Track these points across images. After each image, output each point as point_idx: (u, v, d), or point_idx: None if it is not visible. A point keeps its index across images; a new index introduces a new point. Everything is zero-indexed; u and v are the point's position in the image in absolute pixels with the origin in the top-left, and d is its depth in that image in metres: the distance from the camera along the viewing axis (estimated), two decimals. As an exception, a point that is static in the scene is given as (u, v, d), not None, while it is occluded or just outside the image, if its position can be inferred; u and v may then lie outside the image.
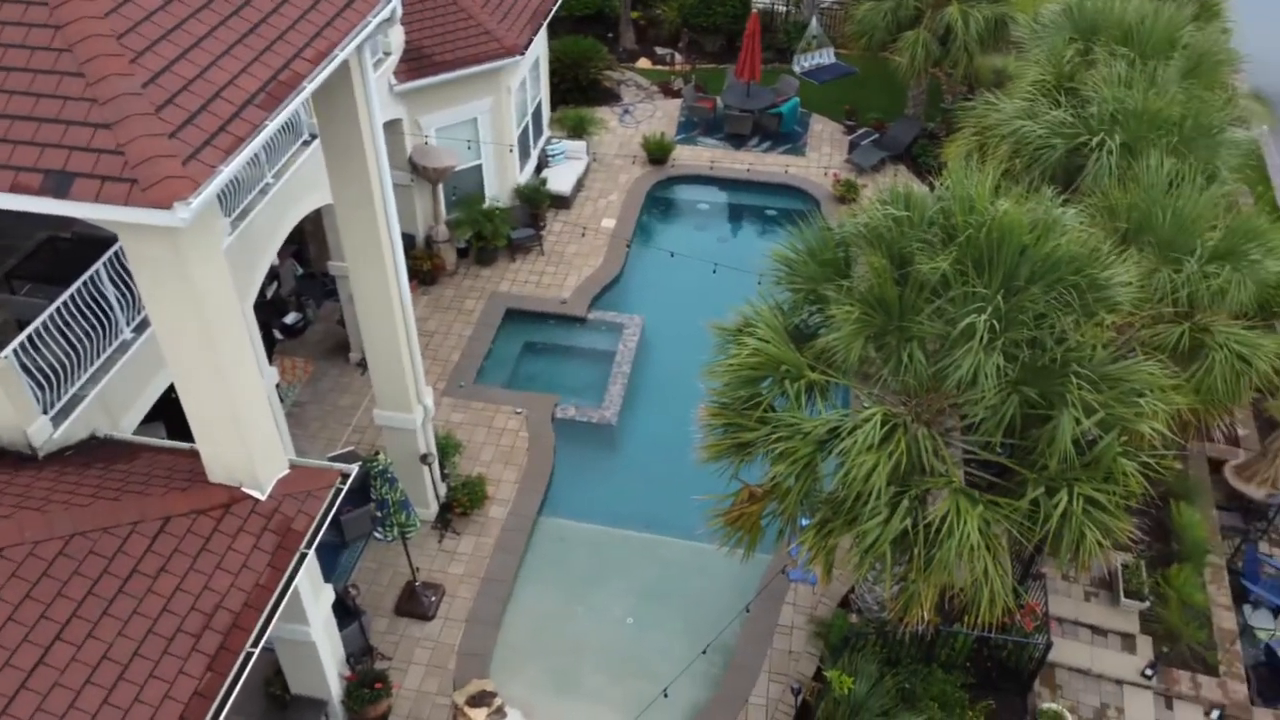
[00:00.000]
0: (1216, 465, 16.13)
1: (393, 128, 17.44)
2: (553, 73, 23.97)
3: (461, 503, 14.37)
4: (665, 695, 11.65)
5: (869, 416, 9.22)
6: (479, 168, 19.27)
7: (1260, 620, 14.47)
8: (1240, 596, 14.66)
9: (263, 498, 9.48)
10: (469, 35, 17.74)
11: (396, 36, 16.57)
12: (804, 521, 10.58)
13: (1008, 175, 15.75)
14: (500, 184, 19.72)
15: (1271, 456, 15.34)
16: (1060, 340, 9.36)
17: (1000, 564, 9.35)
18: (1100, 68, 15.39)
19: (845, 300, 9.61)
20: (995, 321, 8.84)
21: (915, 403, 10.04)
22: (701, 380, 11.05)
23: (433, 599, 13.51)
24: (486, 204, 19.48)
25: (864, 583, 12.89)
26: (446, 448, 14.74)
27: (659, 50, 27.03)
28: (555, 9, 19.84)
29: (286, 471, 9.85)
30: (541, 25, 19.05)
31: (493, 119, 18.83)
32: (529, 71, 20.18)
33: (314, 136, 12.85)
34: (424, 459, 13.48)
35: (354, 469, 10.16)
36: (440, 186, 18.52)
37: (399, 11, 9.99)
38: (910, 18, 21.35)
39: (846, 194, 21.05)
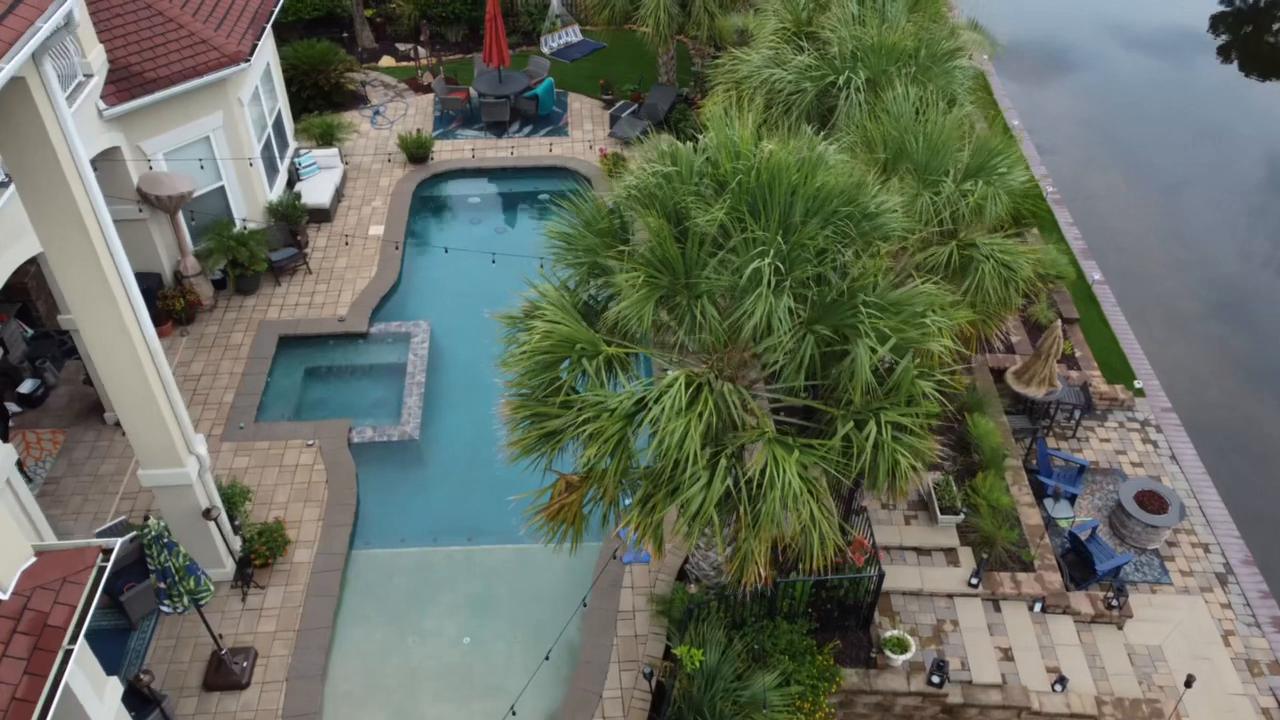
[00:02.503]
0: (999, 374, 17.05)
1: (111, 157, 15.66)
2: (289, 81, 22.42)
3: (260, 553, 13.09)
4: (513, 713, 10.99)
5: (672, 381, 8.88)
6: (221, 189, 17.67)
7: (1060, 511, 15.39)
8: (1040, 493, 15.54)
9: (5, 596, 8.08)
10: (183, 47, 16.14)
11: (97, 55, 14.82)
12: (626, 501, 10.19)
13: (766, 124, 16.02)
14: (249, 204, 18.18)
15: (1044, 358, 16.32)
16: (844, 274, 9.35)
17: (824, 506, 9.28)
18: (834, 9, 15.80)
19: (628, 265, 9.21)
20: (779, 264, 8.69)
21: (716, 359, 9.81)
22: (497, 374, 10.45)
23: (244, 664, 12.22)
24: (237, 228, 17.91)
25: (697, 551, 12.69)
26: (233, 497, 13.38)
27: (400, 46, 25.87)
28: (277, 11, 18.42)
29: (32, 560, 8.46)
30: (265, 28, 17.63)
31: (228, 135, 17.29)
32: (261, 81, 18.68)
33: (8, 177, 11.18)
34: (207, 514, 12.13)
35: (119, 542, 8.86)
36: (180, 215, 16.83)
37: (77, 17, 8.68)
38: (648, -16, 21.31)
39: (615, 167, 20.81)
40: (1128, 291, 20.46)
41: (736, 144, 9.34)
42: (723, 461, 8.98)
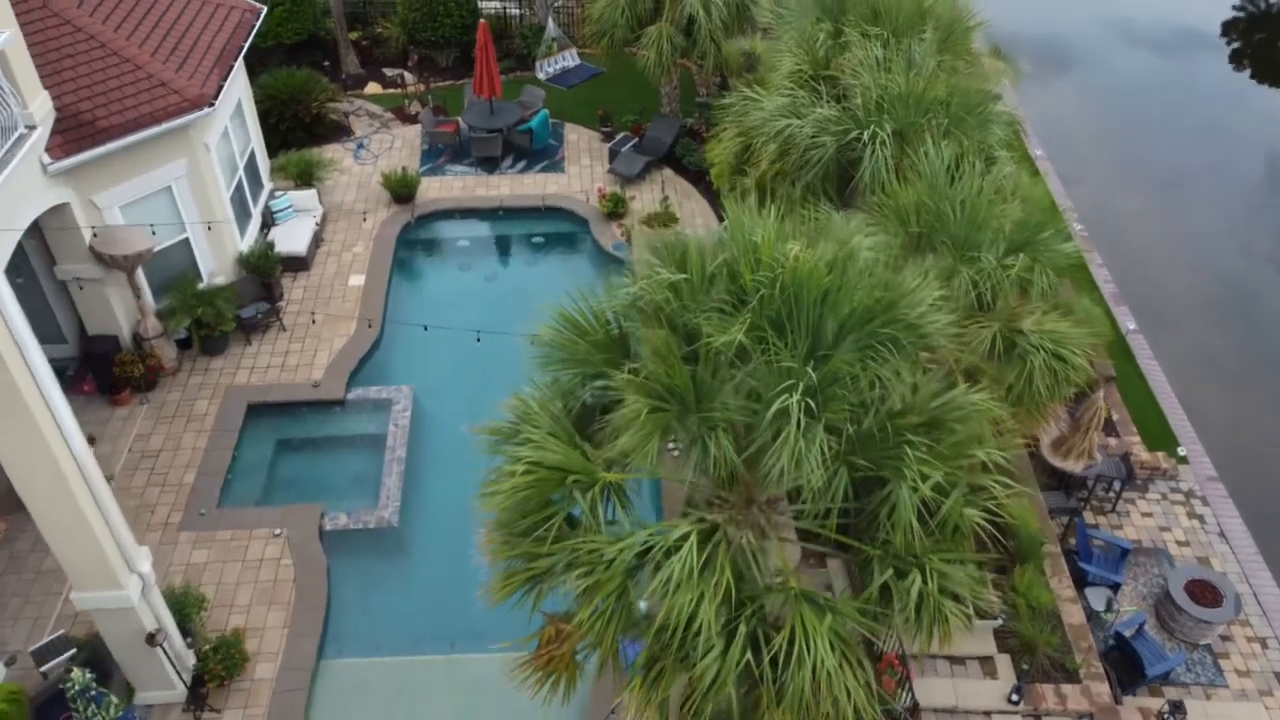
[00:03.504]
0: (1031, 445, 15.63)
1: (60, 214, 14.24)
2: (266, 113, 20.97)
3: (216, 673, 11.67)
4: None
5: (682, 539, 7.46)
6: (186, 242, 16.23)
7: (1103, 602, 13.99)
8: (1080, 580, 14.14)
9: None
10: (140, 91, 14.70)
11: (41, 104, 13.37)
12: (629, 649, 8.79)
13: (780, 175, 14.63)
14: (218, 256, 16.74)
15: (1084, 430, 14.91)
16: (883, 400, 7.92)
17: (860, 672, 7.86)
18: (855, 50, 14.37)
19: (630, 391, 7.78)
20: (810, 401, 7.25)
21: (733, 497, 8.38)
22: (485, 452, 9.10)
23: (195, 807, 10.84)
24: (204, 283, 16.49)
25: None
26: (186, 606, 11.96)
27: (387, 72, 24.42)
28: (248, 43, 16.98)
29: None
30: (233, 66, 16.18)
31: (192, 184, 15.85)
32: (231, 120, 17.25)
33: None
34: (152, 639, 10.71)
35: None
36: (140, 273, 15.40)
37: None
38: (649, 11, 19.86)
39: (615, 209, 19.39)
40: (1163, 340, 19.03)
41: (757, 246, 7.90)
42: (742, 627, 7.56)
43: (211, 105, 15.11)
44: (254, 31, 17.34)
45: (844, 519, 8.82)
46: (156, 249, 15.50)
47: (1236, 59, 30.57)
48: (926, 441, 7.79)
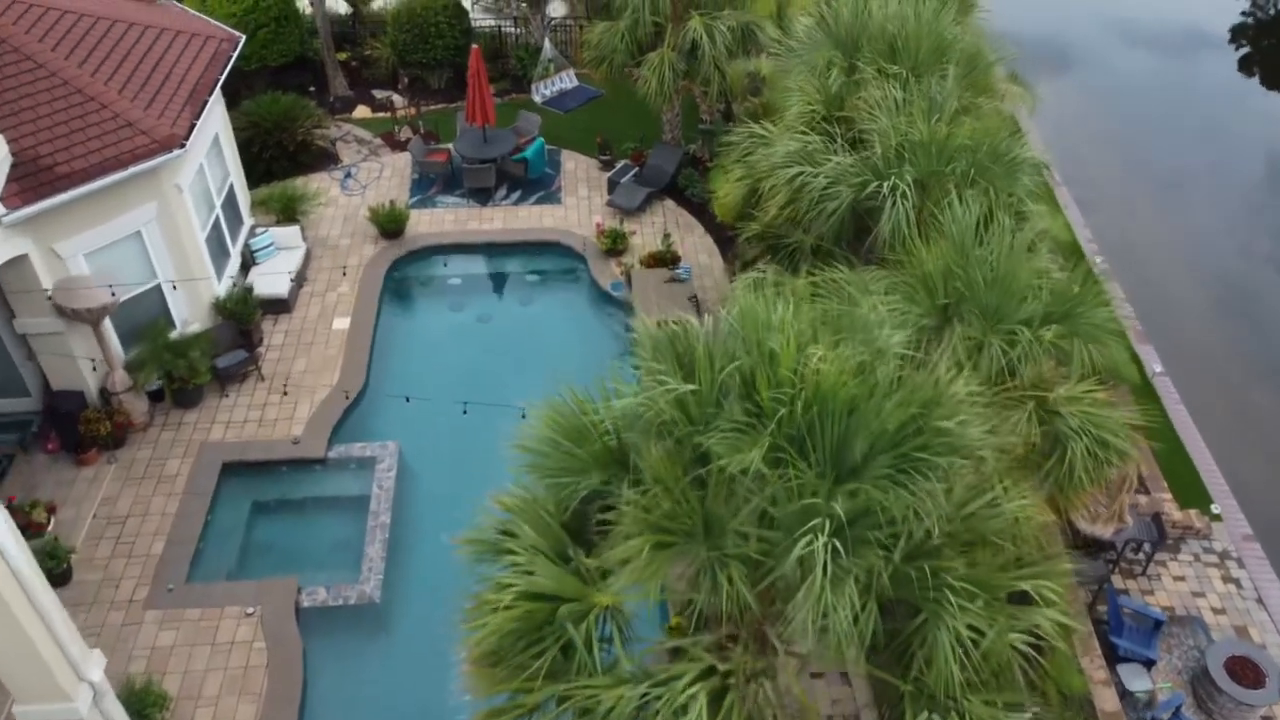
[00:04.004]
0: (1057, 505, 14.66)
1: (18, 266, 13.28)
2: (249, 142, 20.00)
3: (178, 780, 10.72)
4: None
5: (689, 694, 6.49)
6: (157, 289, 15.27)
7: (1136, 680, 13.05)
8: (1111, 655, 13.20)
9: None
10: (105, 132, 13.73)
11: (-5, 150, 12.43)
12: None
13: (792, 221, 13.67)
14: (192, 302, 15.78)
15: (1115, 491, 13.96)
16: (919, 525, 6.95)
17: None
18: (871, 89, 13.39)
19: (630, 522, 6.81)
20: (839, 543, 6.28)
21: (745, 633, 7.41)
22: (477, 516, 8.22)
23: None
24: (177, 330, 15.53)
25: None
26: (147, 706, 11.00)
27: (377, 94, 23.43)
28: (225, 75, 16.01)
29: None
30: (206, 102, 15.20)
31: (163, 228, 14.89)
32: (207, 156, 16.27)
33: None
34: (104, 754, 9.76)
35: None
36: (107, 324, 14.44)
37: None
38: (650, 36, 18.88)
39: (614, 246, 18.41)
40: (1192, 383, 18.06)
41: (775, 355, 6.92)
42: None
43: (182, 146, 14.14)
44: (231, 62, 16.36)
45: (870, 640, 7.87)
46: (124, 298, 14.56)
47: (1245, 65, 29.65)
48: (965, 570, 6.83)
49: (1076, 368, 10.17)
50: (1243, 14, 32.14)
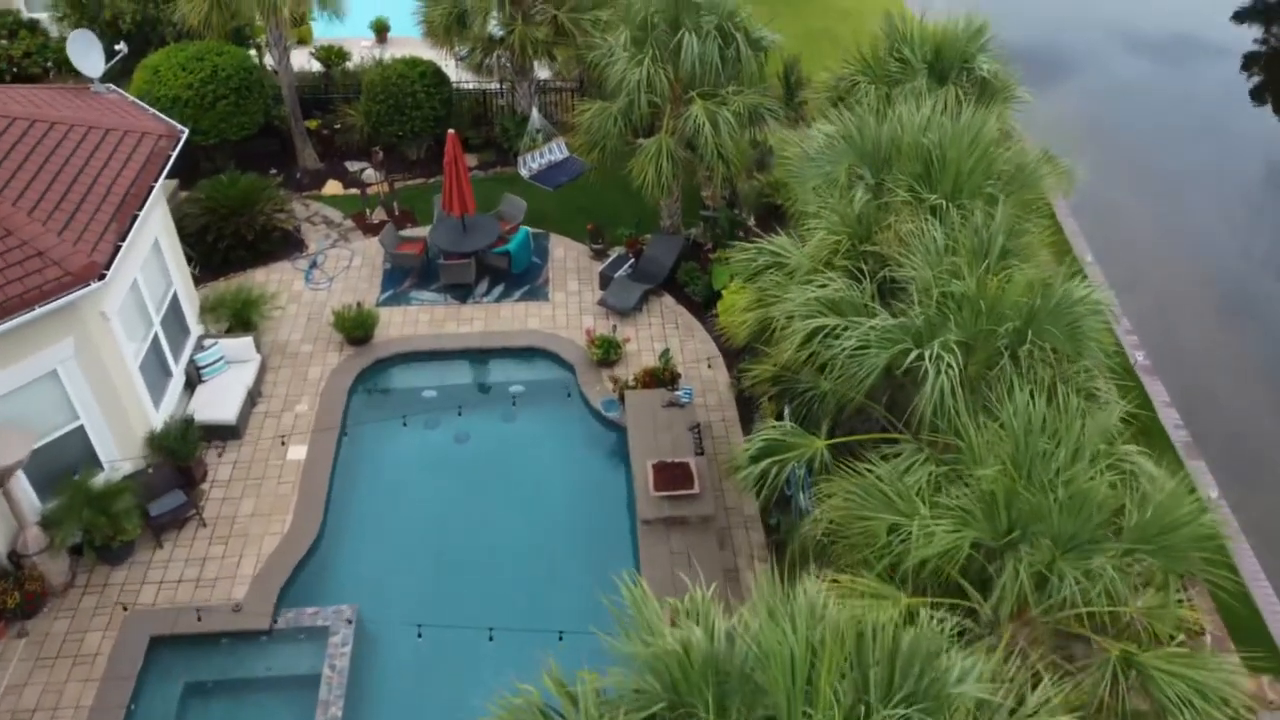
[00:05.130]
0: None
1: (-95, 425, 11.33)
2: (204, 230, 18.11)
3: None
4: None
5: None
6: (80, 430, 13.32)
7: None
8: None
9: None
10: (9, 265, 11.79)
11: None
12: None
13: (810, 362, 11.70)
14: (122, 439, 13.82)
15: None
16: None
17: None
18: (903, 218, 11.46)
19: None
20: None
21: None
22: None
23: None
24: (105, 471, 13.57)
25: None
26: None
27: (350, 166, 21.50)
28: (162, 176, 14.07)
29: None
30: (136, 215, 13.26)
31: (85, 363, 12.94)
32: (143, 267, 14.34)
33: None
34: None
35: None
36: (20, 476, 12.48)
37: None
38: (646, 119, 16.95)
39: (607, 356, 16.45)
40: (1253, 507, 16.10)
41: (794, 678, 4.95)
42: None
43: (102, 278, 12.18)
44: (170, 162, 14.42)
45: None
46: (40, 444, 12.62)
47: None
48: None
49: (1171, 616, 8.26)
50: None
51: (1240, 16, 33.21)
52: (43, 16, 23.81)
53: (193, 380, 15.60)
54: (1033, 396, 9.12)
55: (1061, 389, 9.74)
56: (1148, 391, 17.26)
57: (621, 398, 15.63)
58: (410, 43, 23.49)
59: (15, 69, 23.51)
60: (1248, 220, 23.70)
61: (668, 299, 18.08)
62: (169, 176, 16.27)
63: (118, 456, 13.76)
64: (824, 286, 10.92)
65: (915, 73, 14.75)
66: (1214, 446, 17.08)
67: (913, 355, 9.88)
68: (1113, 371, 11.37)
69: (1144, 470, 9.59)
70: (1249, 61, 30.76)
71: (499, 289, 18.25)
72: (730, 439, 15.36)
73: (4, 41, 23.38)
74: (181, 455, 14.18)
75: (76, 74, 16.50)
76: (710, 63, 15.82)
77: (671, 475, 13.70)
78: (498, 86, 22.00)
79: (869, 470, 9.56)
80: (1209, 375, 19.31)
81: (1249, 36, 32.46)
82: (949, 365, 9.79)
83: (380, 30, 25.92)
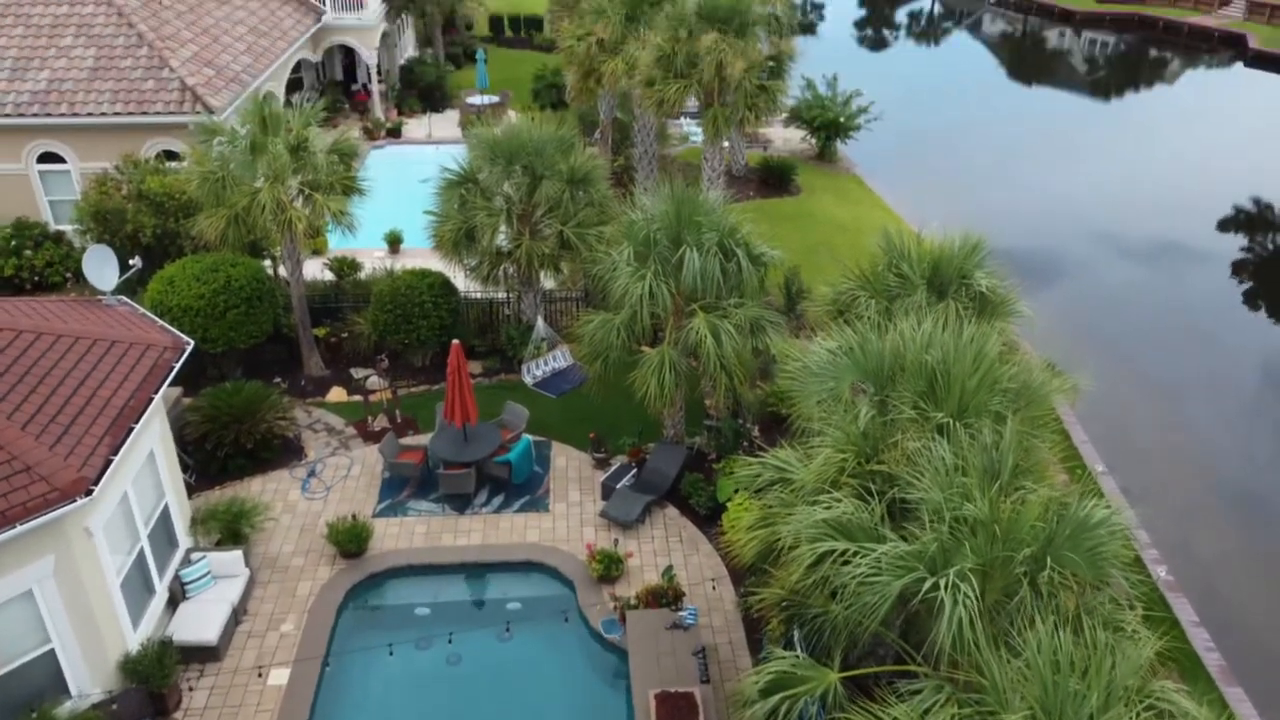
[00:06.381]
0: None
1: None
2: (203, 438, 17.96)
3: None
4: None
5: None
6: (50, 654, 12.63)
7: None
8: None
9: None
10: (-5, 481, 11.52)
11: None
12: None
13: (820, 587, 11.15)
14: (93, 665, 13.08)
15: None
16: None
17: None
18: (910, 436, 11.22)
19: None
20: None
21: None
22: None
23: None
24: (71, 703, 12.75)
25: None
26: None
27: (355, 373, 21.61)
28: (154, 400, 13.99)
29: None
30: (130, 431, 13.10)
31: (63, 583, 12.42)
32: (136, 480, 14.05)
33: None
34: None
35: None
36: (-21, 706, 11.73)
37: None
38: (650, 331, 17.10)
39: (608, 572, 15.85)
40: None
41: None
42: None
43: (89, 494, 11.88)
44: (173, 373, 14.42)
45: None
46: (5, 670, 11.92)
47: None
48: None
49: None
50: None
51: (1224, 225, 34.40)
52: (68, 229, 24.70)
53: (176, 597, 14.99)
54: (1057, 629, 8.57)
55: (1087, 621, 9.23)
56: (1175, 613, 16.45)
57: (623, 617, 14.93)
58: (422, 253, 24.21)
59: (37, 278, 24.19)
60: (1252, 423, 23.50)
61: (671, 510, 17.64)
62: (173, 384, 16.35)
63: (89, 685, 12.98)
64: (830, 508, 10.53)
65: (914, 287, 14.93)
66: (1249, 668, 16.16)
67: (928, 584, 9.38)
68: (1138, 598, 10.79)
69: (1183, 710, 8.91)
70: (1237, 268, 31.55)
71: (499, 499, 17.86)
72: (737, 663, 14.54)
73: (29, 252, 24.13)
74: (156, 681, 13.38)
75: (92, 284, 16.85)
76: (711, 277, 16.08)
77: (675, 707, 12.85)
78: (504, 296, 22.47)
79: (886, 714, 8.88)
80: (1235, 587, 18.57)
81: (1235, 245, 33.50)
82: (966, 595, 9.29)
83: (393, 242, 26.79)
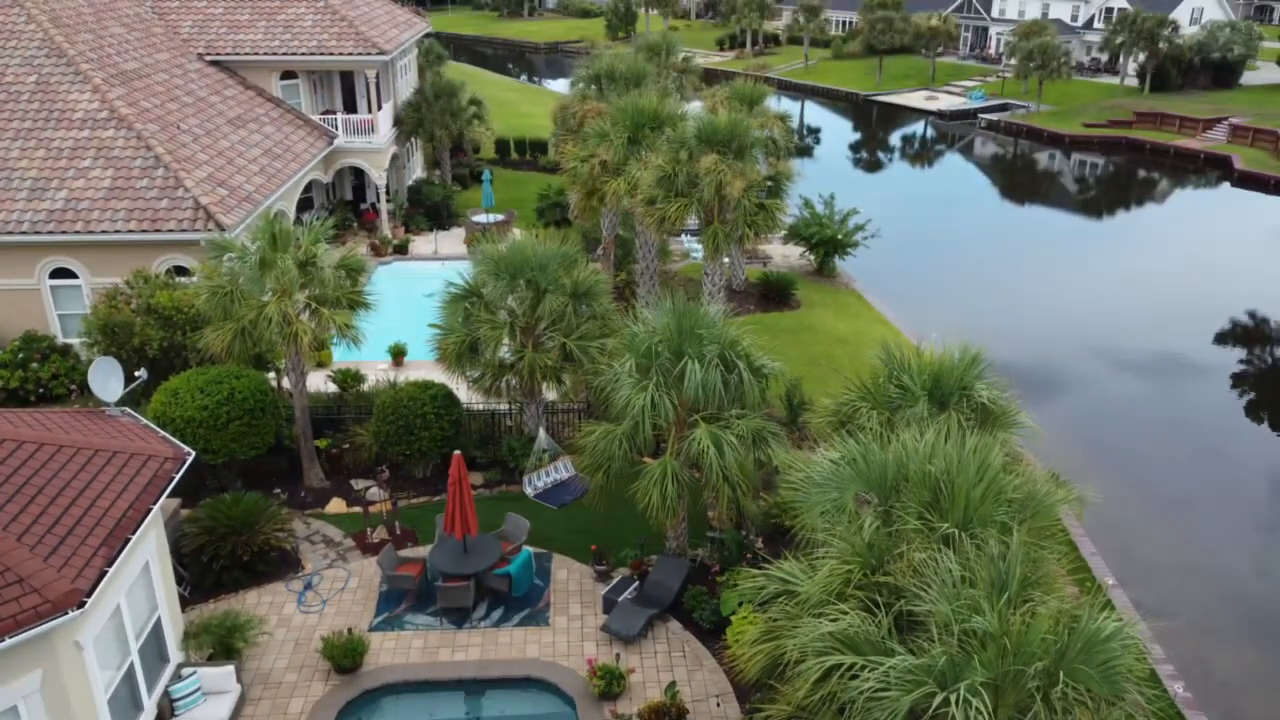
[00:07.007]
0: None
1: None
2: (199, 550, 17.76)
3: None
4: None
5: None
6: (31, 777, 12.18)
7: None
8: None
9: None
10: (-13, 592, 11.34)
11: None
12: None
13: (828, 703, 10.82)
14: (76, 786, 12.60)
15: None
16: None
17: None
18: (916, 547, 11.09)
19: None
20: None
21: None
22: None
23: None
24: (49, 830, 12.23)
25: None
26: None
27: (356, 484, 21.50)
28: (151, 512, 13.89)
29: None
30: (128, 540, 12.97)
31: (50, 698, 12.08)
32: (129, 592, 13.83)
33: None
34: None
35: None
36: (-47, 831, 11.23)
37: None
38: (651, 442, 17.07)
39: (609, 689, 15.43)
40: None
41: None
42: None
43: (81, 606, 11.67)
44: (172, 484, 14.35)
45: None
46: (-16, 793, 11.46)
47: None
48: None
49: None
50: None
51: (1221, 339, 34.69)
52: (75, 342, 24.96)
53: (164, 714, 14.55)
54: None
55: None
56: (1195, 732, 15.92)
57: (624, 738, 14.46)
58: (425, 365, 24.38)
59: (42, 389, 24.31)
60: (1265, 537, 23.20)
61: (674, 624, 17.28)
62: (172, 495, 16.25)
63: (68, 808, 12.48)
64: (836, 620, 10.34)
65: (916, 399, 14.99)
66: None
67: (938, 699, 9.13)
68: (1155, 714, 10.48)
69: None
70: (1237, 380, 31.67)
71: (498, 612, 17.52)
72: (743, 786, 14.01)
73: (35, 364, 24.33)
74: (139, 805, 12.88)
75: (97, 396, 16.94)
76: (713, 388, 16.15)
77: (678, 833, 12.31)
78: (506, 408, 22.53)
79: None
80: (1257, 707, 18.02)
81: (1233, 357, 33.71)
82: (978, 710, 9.03)
83: (397, 355, 27.02)
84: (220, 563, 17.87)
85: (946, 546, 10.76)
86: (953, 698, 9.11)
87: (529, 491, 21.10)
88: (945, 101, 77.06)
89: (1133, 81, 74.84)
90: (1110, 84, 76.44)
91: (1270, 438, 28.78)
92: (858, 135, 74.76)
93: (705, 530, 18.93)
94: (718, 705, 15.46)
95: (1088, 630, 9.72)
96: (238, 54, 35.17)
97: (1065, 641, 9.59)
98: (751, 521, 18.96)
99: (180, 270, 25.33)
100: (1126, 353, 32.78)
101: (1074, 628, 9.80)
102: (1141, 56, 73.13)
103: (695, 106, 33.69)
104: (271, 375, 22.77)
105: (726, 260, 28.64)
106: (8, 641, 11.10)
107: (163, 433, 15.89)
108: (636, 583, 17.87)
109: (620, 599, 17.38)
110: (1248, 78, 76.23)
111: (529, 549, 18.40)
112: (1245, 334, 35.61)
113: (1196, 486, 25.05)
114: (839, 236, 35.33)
